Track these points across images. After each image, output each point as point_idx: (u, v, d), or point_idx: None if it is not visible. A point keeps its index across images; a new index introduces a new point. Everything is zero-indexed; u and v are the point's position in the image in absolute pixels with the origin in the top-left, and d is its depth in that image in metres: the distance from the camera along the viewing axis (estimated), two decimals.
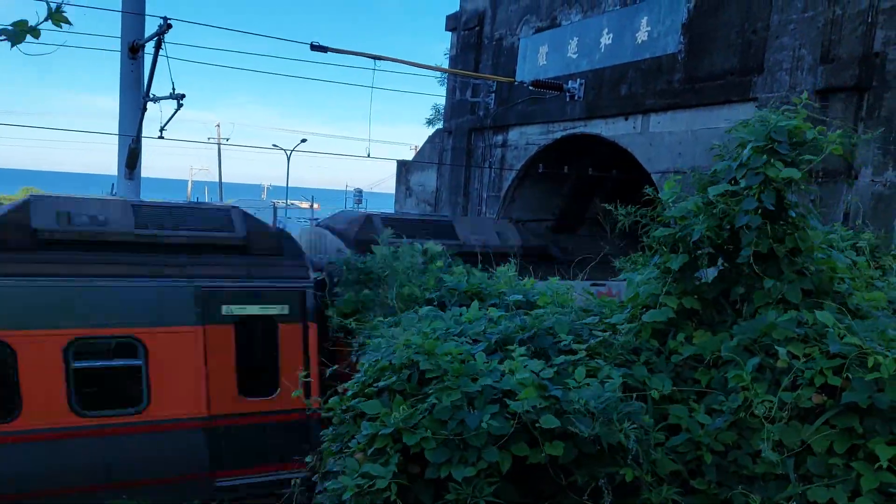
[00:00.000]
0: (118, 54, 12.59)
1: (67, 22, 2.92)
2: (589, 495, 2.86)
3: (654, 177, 12.21)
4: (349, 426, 3.02)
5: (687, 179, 4.11)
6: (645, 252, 4.07)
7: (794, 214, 3.66)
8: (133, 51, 12.27)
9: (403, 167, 20.13)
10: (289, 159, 43.66)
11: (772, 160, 3.53)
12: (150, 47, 11.86)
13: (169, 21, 11.18)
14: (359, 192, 53.54)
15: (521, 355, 3.07)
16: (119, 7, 12.39)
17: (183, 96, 11.99)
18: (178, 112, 12.19)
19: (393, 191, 21.10)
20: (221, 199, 47.86)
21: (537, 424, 2.72)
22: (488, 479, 2.68)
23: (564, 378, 3.03)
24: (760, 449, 3.16)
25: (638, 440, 2.79)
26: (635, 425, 2.85)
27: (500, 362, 3.10)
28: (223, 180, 47.82)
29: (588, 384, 2.99)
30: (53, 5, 2.88)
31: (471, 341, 3.44)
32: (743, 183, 3.58)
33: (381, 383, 2.97)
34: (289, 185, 46.09)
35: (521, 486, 2.88)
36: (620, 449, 2.85)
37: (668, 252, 3.75)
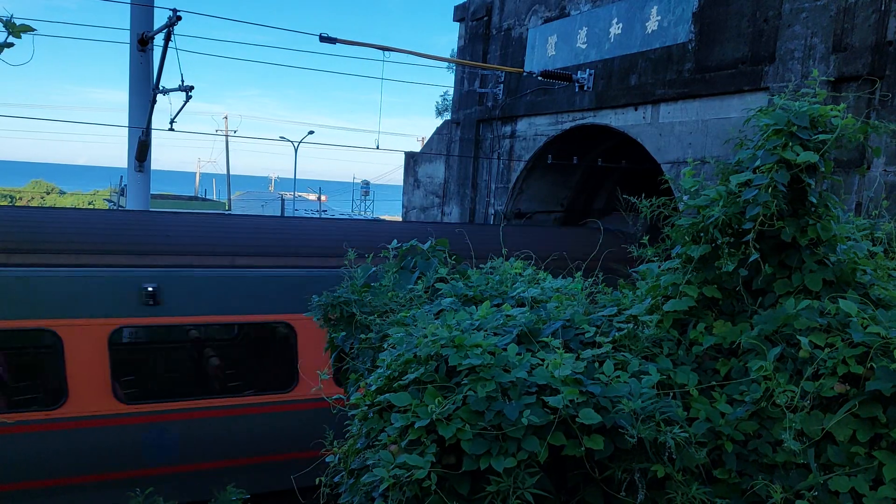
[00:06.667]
0: (126, 47, 12.63)
1: (32, 30, 2.89)
2: (619, 489, 2.86)
3: (664, 167, 12.17)
4: (375, 421, 3.01)
5: (707, 169, 4.09)
6: (664, 242, 4.07)
7: (814, 200, 3.62)
8: (143, 43, 12.31)
9: (411, 159, 20.09)
10: (296, 151, 43.66)
11: (790, 143, 3.49)
12: (159, 39, 11.89)
13: (178, 13, 11.19)
14: (366, 184, 53.54)
15: (557, 349, 3.05)
16: None
17: (191, 88, 12.02)
18: (187, 104, 12.24)
19: (399, 182, 21.07)
20: (229, 191, 47.93)
21: (577, 420, 2.72)
22: (528, 470, 2.67)
23: (594, 372, 3.02)
24: (781, 438, 3.15)
25: (675, 440, 2.78)
26: (675, 425, 2.85)
27: (532, 355, 3.08)
28: (231, 172, 47.84)
29: (624, 380, 2.97)
30: (5, 18, 2.84)
31: (492, 335, 3.42)
32: (758, 162, 3.54)
33: (409, 376, 2.95)
34: (296, 177, 46.08)
35: (550, 478, 2.88)
36: (656, 445, 2.84)
37: (690, 242, 3.74)
